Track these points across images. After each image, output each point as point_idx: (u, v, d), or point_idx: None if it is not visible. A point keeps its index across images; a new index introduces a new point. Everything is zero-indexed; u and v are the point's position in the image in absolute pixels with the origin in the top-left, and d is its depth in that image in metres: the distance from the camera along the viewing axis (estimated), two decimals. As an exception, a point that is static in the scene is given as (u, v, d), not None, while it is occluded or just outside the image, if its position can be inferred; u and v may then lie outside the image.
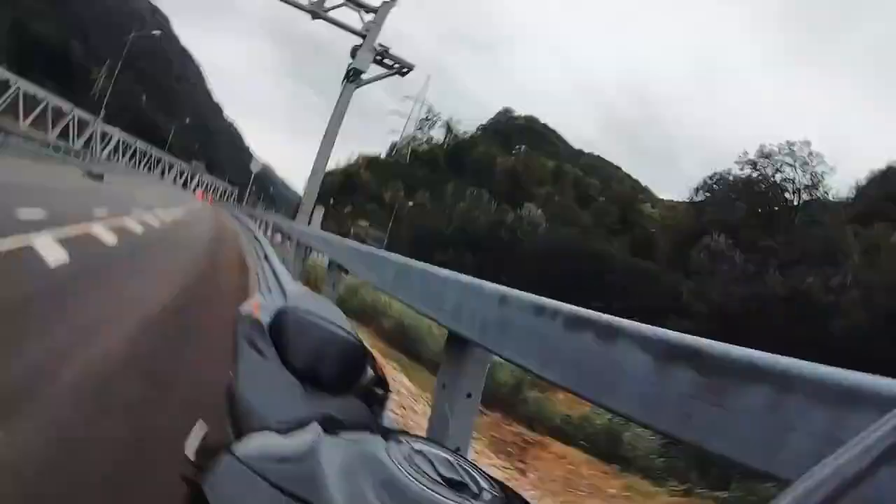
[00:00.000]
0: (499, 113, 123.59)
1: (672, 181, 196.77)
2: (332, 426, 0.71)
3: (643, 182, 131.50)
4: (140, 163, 69.87)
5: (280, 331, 1.09)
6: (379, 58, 18.64)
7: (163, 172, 77.09)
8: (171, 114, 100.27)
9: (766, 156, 49.89)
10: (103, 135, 59.70)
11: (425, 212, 54.20)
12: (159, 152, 76.90)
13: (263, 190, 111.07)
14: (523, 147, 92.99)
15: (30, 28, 62.94)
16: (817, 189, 46.04)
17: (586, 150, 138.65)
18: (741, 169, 49.12)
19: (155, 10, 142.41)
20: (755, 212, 42.75)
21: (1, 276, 4.75)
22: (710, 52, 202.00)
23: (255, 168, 43.63)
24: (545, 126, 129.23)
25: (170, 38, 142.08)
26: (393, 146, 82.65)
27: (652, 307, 29.12)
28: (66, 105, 48.16)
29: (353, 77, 18.76)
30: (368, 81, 19.27)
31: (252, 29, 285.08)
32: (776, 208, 44.27)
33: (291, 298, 1.17)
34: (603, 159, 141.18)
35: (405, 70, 19.26)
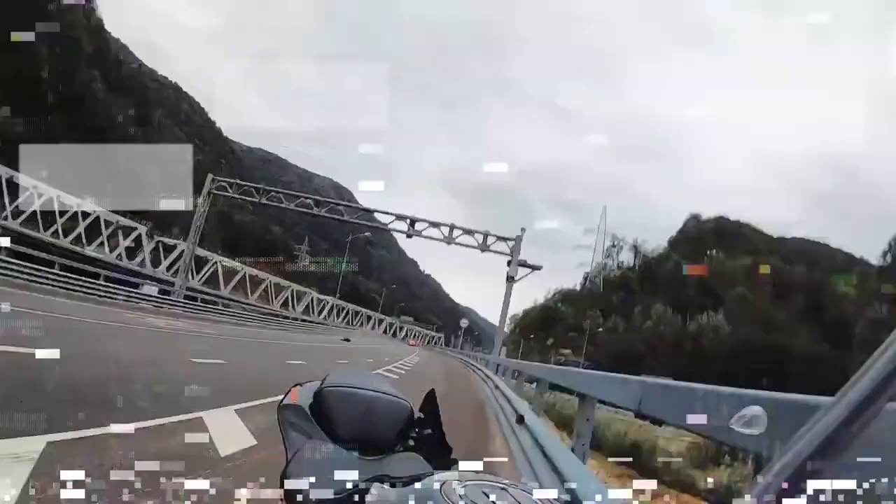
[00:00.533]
0: (687, 221, 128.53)
1: None
2: (387, 482, 0.78)
3: (859, 254, 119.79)
4: (353, 321, 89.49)
5: (320, 408, 1.16)
6: (522, 263, 34.50)
7: (377, 327, 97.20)
8: (369, 275, 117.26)
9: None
10: (318, 301, 79.90)
11: (617, 334, 61.40)
12: (370, 312, 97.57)
13: (469, 332, 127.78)
14: (714, 251, 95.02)
15: (233, 219, 79.17)
16: None
17: (790, 236, 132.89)
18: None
19: (337, 185, 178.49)
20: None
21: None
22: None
23: (464, 324, 58.45)
24: (738, 223, 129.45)
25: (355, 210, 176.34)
26: (585, 277, 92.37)
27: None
28: (283, 281, 66.93)
29: (508, 279, 34.10)
30: (518, 279, 35.54)
31: (431, 184, 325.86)
32: None
33: (329, 378, 1.31)
34: (808, 241, 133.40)
35: (539, 267, 35.55)
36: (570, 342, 74.25)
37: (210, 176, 41.35)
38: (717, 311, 58.99)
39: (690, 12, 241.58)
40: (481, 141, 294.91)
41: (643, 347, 51.25)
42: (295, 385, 1.26)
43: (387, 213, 38.27)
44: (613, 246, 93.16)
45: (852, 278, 69.71)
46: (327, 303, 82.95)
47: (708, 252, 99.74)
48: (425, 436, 1.17)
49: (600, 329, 64.81)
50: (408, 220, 36.35)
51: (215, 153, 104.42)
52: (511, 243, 34.80)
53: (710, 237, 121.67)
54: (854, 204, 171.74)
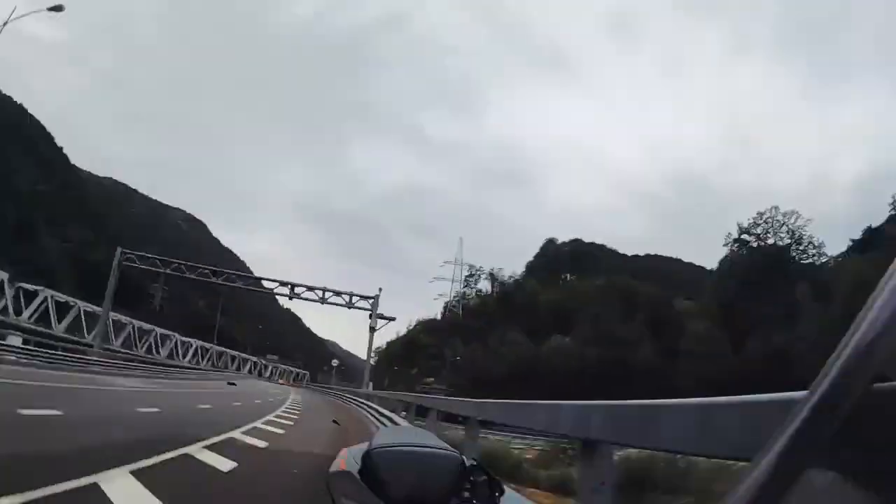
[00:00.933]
0: (543, 246, 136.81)
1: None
2: None
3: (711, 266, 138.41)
4: (217, 362, 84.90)
5: (370, 472, 1.14)
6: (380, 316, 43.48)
7: (241, 367, 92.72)
8: (228, 311, 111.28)
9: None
10: (183, 343, 75.04)
11: (476, 360, 64.67)
12: (234, 352, 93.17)
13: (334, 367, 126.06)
14: (568, 276, 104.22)
15: (87, 259, 75.76)
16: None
17: (643, 253, 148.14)
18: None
19: (191, 217, 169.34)
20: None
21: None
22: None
23: (335, 363, 58.99)
24: (592, 244, 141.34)
25: (210, 239, 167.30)
26: (446, 306, 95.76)
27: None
28: (146, 325, 62.92)
29: (371, 330, 43.93)
30: (379, 328, 45.10)
31: (288, 212, 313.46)
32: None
33: (376, 438, 1.32)
34: (661, 257, 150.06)
35: (393, 318, 45.72)
36: (433, 370, 76.41)
37: (119, 249, 46.75)
38: (567, 333, 64.99)
39: (546, 39, 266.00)
40: (340, 167, 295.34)
41: (501, 371, 54.63)
42: (343, 449, 1.33)
43: (272, 279, 49.94)
44: (471, 275, 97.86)
45: (682, 298, 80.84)
46: (191, 345, 77.45)
47: (563, 276, 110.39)
48: (479, 483, 1.19)
49: (458, 358, 67.79)
50: (289, 286, 46.70)
51: (61, 182, 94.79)
52: (371, 300, 44.80)
53: (566, 260, 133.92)
54: (704, 220, 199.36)
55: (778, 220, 59.62)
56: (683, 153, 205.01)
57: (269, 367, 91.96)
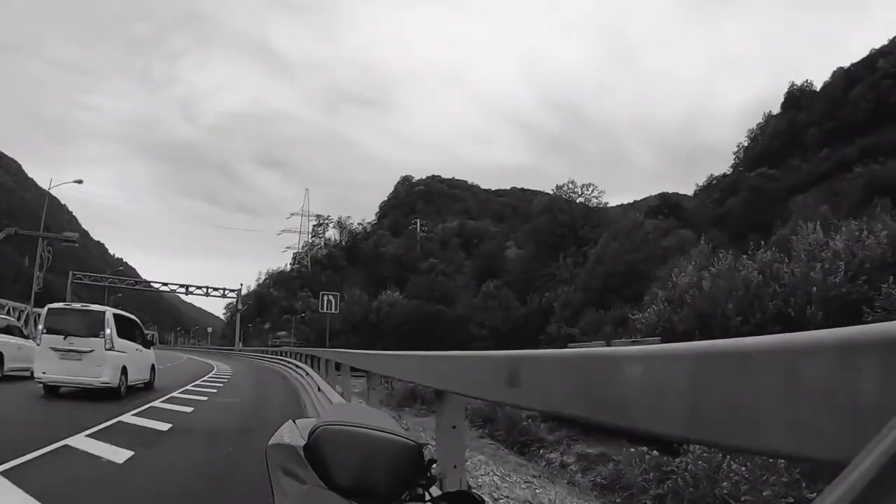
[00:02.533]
0: (398, 184, 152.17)
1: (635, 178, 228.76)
2: None
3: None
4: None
5: (316, 450, 1.14)
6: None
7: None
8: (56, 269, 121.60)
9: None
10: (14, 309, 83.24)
11: (321, 314, 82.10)
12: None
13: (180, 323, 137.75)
14: (417, 223, 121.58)
15: None
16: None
17: (508, 187, 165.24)
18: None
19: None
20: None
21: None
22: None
23: (209, 331, 73.85)
24: (452, 180, 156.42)
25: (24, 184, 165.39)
26: (294, 257, 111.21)
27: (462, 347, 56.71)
28: None
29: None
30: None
31: (114, 144, 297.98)
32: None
33: (326, 414, 1.35)
34: (527, 191, 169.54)
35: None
36: (285, 324, 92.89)
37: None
38: (403, 286, 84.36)
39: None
40: (173, 90, 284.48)
41: (338, 324, 72.54)
42: (288, 421, 1.33)
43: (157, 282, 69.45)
44: (319, 224, 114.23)
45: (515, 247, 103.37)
46: (23, 310, 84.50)
47: (413, 222, 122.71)
48: (439, 482, 1.33)
49: (304, 315, 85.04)
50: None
51: None
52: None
53: (421, 200, 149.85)
54: (583, 145, 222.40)
55: (576, 192, 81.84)
56: (559, 74, 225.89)
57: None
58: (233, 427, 10.92)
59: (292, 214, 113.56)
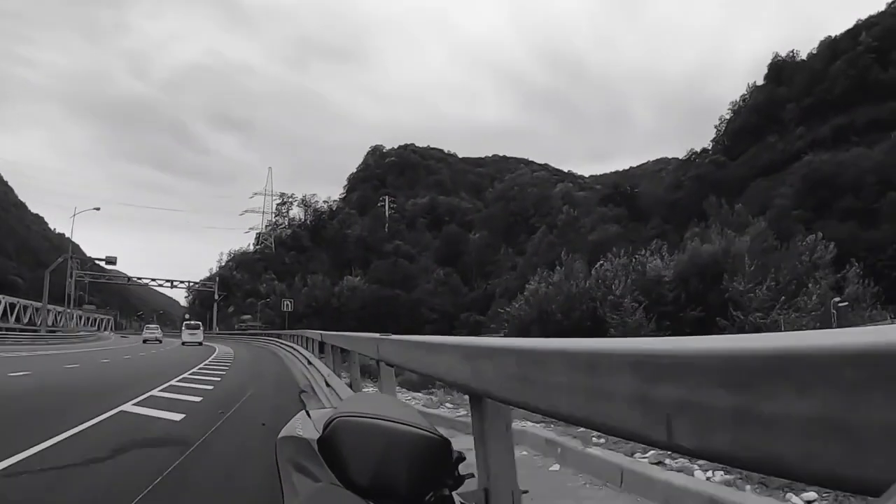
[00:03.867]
0: (368, 155, 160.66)
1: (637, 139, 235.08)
2: None
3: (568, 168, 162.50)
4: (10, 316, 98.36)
5: (332, 444, 1.16)
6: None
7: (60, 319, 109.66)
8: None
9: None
10: None
11: (286, 296, 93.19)
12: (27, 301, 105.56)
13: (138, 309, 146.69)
14: (386, 201, 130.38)
15: None
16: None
17: (489, 154, 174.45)
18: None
19: None
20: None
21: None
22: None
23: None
24: (427, 150, 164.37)
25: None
26: (258, 237, 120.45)
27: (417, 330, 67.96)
28: None
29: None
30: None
31: (50, 110, 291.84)
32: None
33: (343, 404, 1.33)
34: (509, 159, 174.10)
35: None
36: (249, 308, 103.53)
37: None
38: (367, 268, 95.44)
39: None
40: (120, 41, 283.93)
41: (302, 308, 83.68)
42: (301, 412, 1.33)
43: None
44: (283, 203, 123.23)
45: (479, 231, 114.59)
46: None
47: (381, 199, 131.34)
48: (466, 482, 1.25)
49: (268, 300, 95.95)
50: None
51: None
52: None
53: (392, 172, 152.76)
54: (579, 102, 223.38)
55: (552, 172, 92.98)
56: (555, 21, 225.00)
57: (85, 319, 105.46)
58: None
59: (255, 194, 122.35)
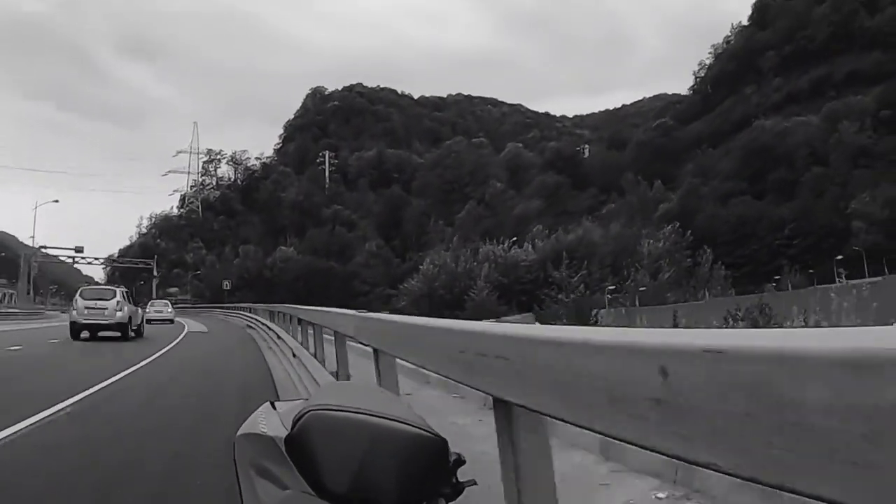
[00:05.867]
0: (307, 98, 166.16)
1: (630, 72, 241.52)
2: None
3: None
4: None
5: (302, 444, 1.13)
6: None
7: None
8: None
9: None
10: None
11: (216, 269, 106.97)
12: None
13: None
14: (326, 157, 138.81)
15: None
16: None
17: (452, 93, 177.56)
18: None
19: None
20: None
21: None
22: None
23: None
24: (376, 91, 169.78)
25: None
26: (183, 199, 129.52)
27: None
28: None
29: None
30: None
31: None
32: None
33: (316, 395, 1.33)
34: (474, 99, 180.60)
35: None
36: (176, 280, 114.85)
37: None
38: (302, 236, 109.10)
39: None
40: None
41: (234, 280, 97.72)
42: (265, 403, 1.29)
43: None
44: (210, 161, 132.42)
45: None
46: None
47: (320, 156, 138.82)
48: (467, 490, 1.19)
49: (199, 271, 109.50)
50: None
51: None
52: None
53: (334, 120, 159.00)
54: (568, 24, 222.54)
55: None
56: None
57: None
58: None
59: (179, 152, 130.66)
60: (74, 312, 27.48)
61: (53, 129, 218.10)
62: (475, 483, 1.21)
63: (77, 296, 28.44)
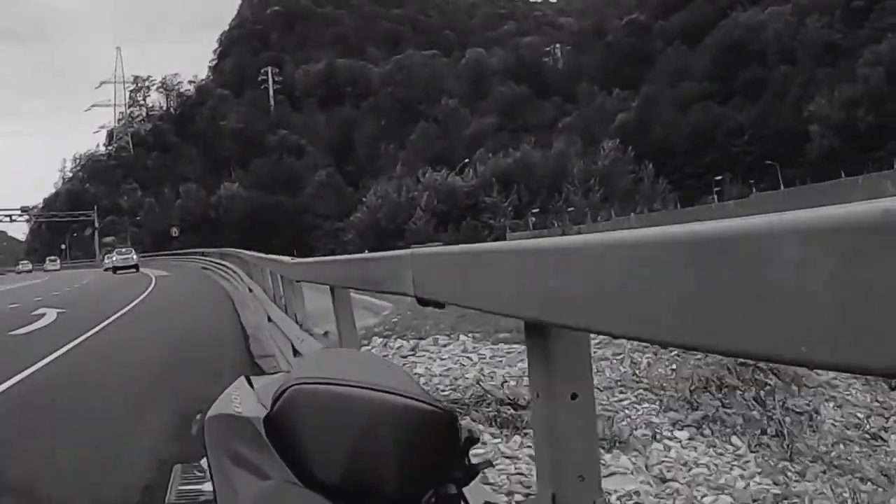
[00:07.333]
0: (243, 6, 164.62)
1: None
2: None
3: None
4: None
5: (285, 425, 1.06)
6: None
7: None
8: None
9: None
10: None
11: (157, 212, 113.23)
12: None
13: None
14: (269, 73, 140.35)
15: None
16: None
17: None
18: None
19: None
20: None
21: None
22: None
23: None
24: None
25: None
26: (110, 135, 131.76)
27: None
28: None
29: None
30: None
31: None
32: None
33: (298, 366, 1.30)
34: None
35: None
36: (110, 227, 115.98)
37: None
38: (247, 168, 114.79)
39: None
40: None
41: (176, 223, 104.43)
42: (240, 378, 1.23)
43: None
44: (138, 89, 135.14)
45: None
46: None
47: (262, 73, 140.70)
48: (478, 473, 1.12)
49: (137, 217, 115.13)
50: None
51: None
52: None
53: (276, 29, 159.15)
54: None
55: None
56: None
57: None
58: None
59: (102, 83, 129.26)
60: (110, 261, 64.97)
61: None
62: (491, 465, 1.31)
63: (113, 253, 69.95)
